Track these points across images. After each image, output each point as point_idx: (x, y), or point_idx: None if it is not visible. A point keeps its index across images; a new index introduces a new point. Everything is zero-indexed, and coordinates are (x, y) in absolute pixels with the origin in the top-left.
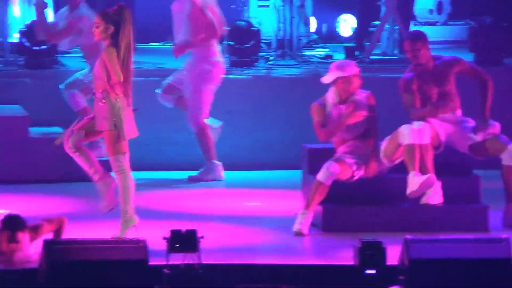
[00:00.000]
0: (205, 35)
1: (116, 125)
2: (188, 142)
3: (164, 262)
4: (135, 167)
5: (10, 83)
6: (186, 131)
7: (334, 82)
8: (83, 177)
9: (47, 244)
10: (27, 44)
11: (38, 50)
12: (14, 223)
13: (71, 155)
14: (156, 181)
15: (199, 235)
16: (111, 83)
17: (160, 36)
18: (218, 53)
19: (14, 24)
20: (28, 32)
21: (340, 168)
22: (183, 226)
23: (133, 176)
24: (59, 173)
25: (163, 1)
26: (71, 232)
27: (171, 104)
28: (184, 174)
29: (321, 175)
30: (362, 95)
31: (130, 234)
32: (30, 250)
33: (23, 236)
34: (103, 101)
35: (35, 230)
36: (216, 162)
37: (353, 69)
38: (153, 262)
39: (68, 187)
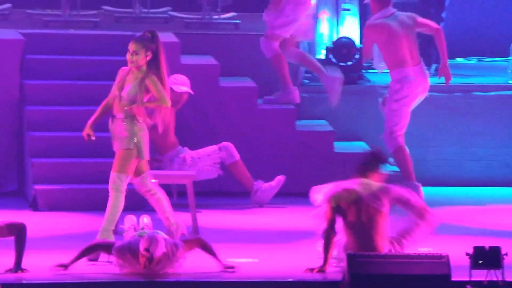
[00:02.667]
0: None
1: (137, 145)
2: (492, 158)
3: (466, 278)
4: (440, 183)
5: (317, 98)
6: (490, 146)
7: None
8: None
9: (350, 257)
10: (334, 60)
11: (344, 66)
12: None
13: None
14: (457, 197)
15: (503, 252)
16: (153, 107)
17: (466, 51)
18: (412, 72)
19: (321, 41)
20: (335, 48)
21: None
22: (485, 242)
23: (437, 191)
24: None
25: (469, 15)
26: None
27: None
28: (484, 190)
29: None
30: None
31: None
32: None
33: None
34: (125, 121)
35: None
36: (416, 183)
37: None
38: (455, 278)
39: None
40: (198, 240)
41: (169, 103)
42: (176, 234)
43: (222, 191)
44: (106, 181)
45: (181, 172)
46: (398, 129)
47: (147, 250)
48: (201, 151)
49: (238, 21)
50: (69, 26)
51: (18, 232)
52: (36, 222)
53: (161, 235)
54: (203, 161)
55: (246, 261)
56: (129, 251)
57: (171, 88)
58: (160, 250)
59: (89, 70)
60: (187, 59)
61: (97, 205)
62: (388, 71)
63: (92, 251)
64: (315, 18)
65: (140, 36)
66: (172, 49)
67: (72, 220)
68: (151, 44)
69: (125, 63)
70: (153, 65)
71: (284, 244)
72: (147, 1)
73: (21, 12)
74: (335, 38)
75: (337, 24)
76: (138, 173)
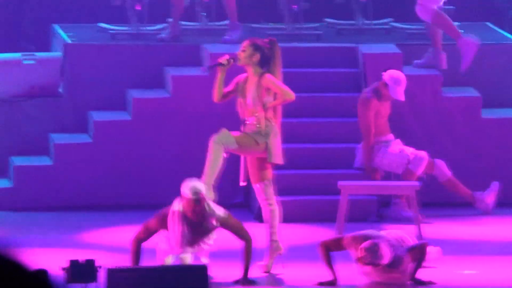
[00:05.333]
0: None
1: (267, 146)
2: None
3: None
4: None
5: None
6: None
7: None
8: None
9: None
10: None
11: None
12: None
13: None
14: None
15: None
16: (278, 103)
17: None
18: None
19: None
20: None
21: None
22: None
23: None
24: None
25: None
26: None
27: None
28: None
29: None
30: None
31: (276, 263)
32: None
33: None
34: (258, 125)
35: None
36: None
37: None
38: None
39: None
40: (422, 246)
41: (293, 96)
42: (273, 252)
43: (446, 202)
44: (333, 192)
45: (404, 182)
46: None
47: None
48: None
49: (462, 31)
50: (293, 39)
51: (246, 243)
52: (262, 234)
53: (385, 243)
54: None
55: (468, 273)
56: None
57: (385, 83)
58: (386, 258)
59: (313, 83)
60: (410, 70)
61: (326, 216)
62: None
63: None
64: None
65: (255, 38)
66: (394, 60)
67: (299, 231)
68: (262, 47)
69: (349, 75)
70: (266, 68)
71: (507, 256)
72: (369, 13)
73: (244, 26)
74: None
75: None
76: (261, 178)
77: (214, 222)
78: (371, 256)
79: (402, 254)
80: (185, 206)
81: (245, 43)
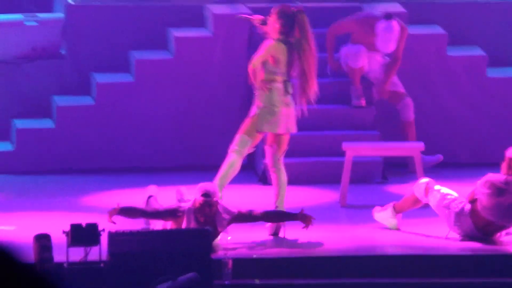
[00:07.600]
0: None
1: (259, 114)
2: None
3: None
4: None
5: None
6: None
7: None
8: None
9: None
10: None
11: None
12: None
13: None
14: None
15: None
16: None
17: None
18: None
19: None
20: None
21: None
22: None
23: None
24: None
25: None
26: None
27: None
28: None
29: None
30: None
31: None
32: None
33: None
34: (258, 92)
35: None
36: None
37: None
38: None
39: None
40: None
41: (254, 64)
42: None
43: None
44: (338, 154)
45: (409, 143)
46: None
47: None
48: None
49: None
50: None
51: (269, 211)
52: (266, 196)
53: None
54: None
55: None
56: None
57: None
58: None
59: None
60: (415, 29)
61: (330, 178)
62: None
63: None
64: None
65: (284, 6)
66: (401, 20)
67: (303, 193)
68: (285, 15)
69: None
70: (283, 36)
71: None
72: None
73: None
74: None
75: None
76: (272, 144)
77: (225, 223)
78: None
79: None
80: (196, 208)
81: (273, 10)
